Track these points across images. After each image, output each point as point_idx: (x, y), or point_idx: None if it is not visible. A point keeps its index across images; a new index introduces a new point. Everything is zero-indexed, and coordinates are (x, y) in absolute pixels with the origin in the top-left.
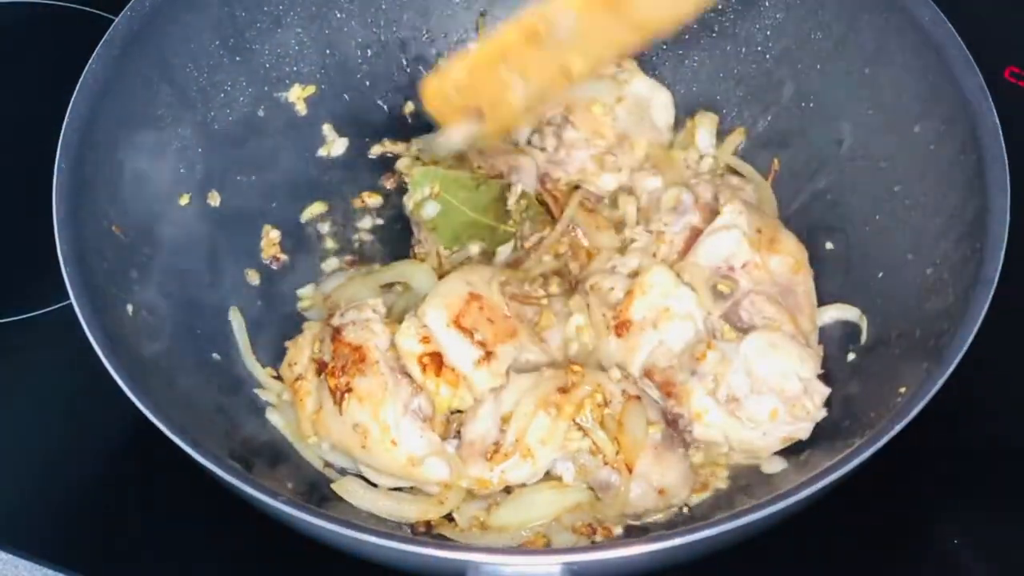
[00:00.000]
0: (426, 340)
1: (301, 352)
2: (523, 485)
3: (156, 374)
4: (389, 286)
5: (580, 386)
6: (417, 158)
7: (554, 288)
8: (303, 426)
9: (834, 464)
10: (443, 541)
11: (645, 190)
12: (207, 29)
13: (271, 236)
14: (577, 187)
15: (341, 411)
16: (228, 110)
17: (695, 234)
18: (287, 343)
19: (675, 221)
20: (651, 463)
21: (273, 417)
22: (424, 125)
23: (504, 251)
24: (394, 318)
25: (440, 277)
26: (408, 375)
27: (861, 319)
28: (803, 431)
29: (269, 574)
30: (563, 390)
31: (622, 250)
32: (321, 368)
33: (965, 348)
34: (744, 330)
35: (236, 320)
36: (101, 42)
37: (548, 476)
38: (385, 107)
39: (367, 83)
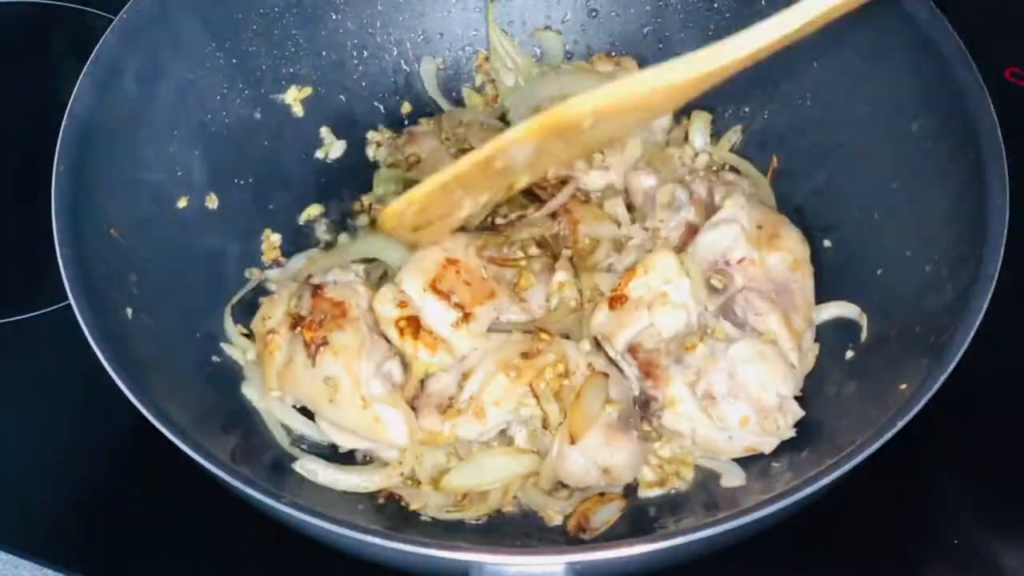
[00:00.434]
0: (403, 305)
1: (276, 307)
2: (472, 442)
3: (155, 375)
4: (365, 261)
5: (544, 354)
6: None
7: (533, 250)
8: (268, 380)
9: (836, 461)
10: (446, 542)
11: (640, 188)
12: (204, 31)
13: (271, 240)
14: (565, 181)
15: (314, 363)
16: (225, 112)
17: (691, 230)
18: (261, 299)
19: (671, 218)
20: (601, 441)
21: (248, 391)
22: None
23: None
24: (372, 286)
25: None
26: (385, 339)
27: (861, 317)
28: (767, 445)
29: (269, 574)
30: (526, 355)
31: (619, 247)
32: (296, 323)
33: (965, 345)
34: (739, 326)
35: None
36: (101, 42)
37: (506, 436)
38: (382, 108)
39: (363, 84)
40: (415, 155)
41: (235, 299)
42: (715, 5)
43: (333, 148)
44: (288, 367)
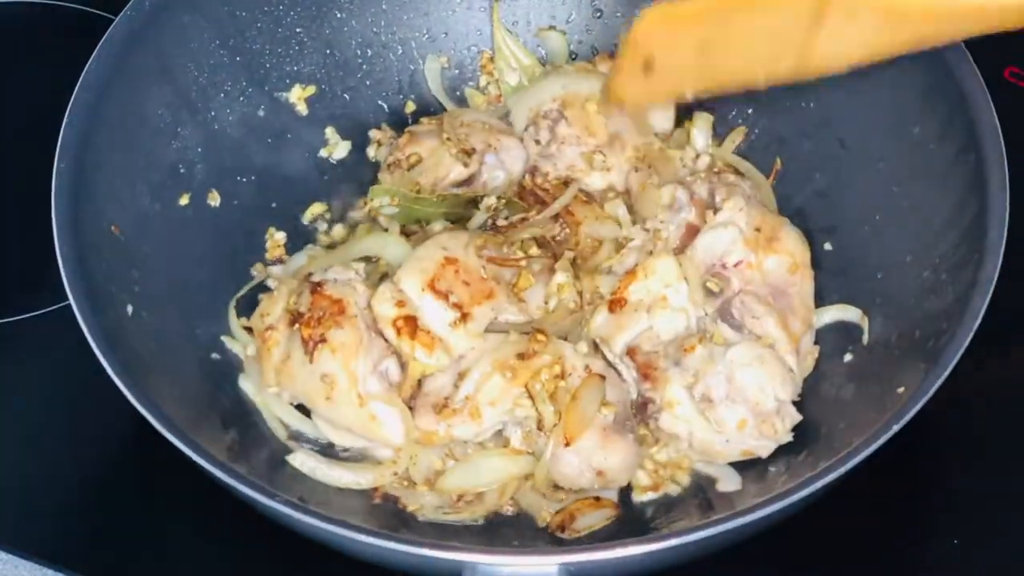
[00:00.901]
0: (401, 304)
1: (275, 303)
2: (467, 443)
3: (155, 374)
4: (365, 260)
5: (540, 355)
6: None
7: (534, 251)
8: (266, 375)
9: (833, 463)
10: (440, 541)
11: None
12: (207, 29)
13: (276, 238)
14: (567, 182)
15: (311, 360)
16: (228, 110)
17: (691, 231)
18: (261, 295)
19: (671, 218)
20: (596, 443)
21: (245, 385)
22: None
23: (479, 218)
24: (371, 285)
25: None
26: (383, 337)
27: (863, 320)
28: (765, 449)
29: (269, 574)
30: (522, 356)
31: (618, 248)
32: (295, 319)
33: (963, 349)
34: (737, 329)
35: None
36: (101, 42)
37: (502, 437)
38: (386, 107)
39: (367, 83)
40: (416, 155)
41: (239, 294)
42: None
43: (338, 149)
44: (286, 363)
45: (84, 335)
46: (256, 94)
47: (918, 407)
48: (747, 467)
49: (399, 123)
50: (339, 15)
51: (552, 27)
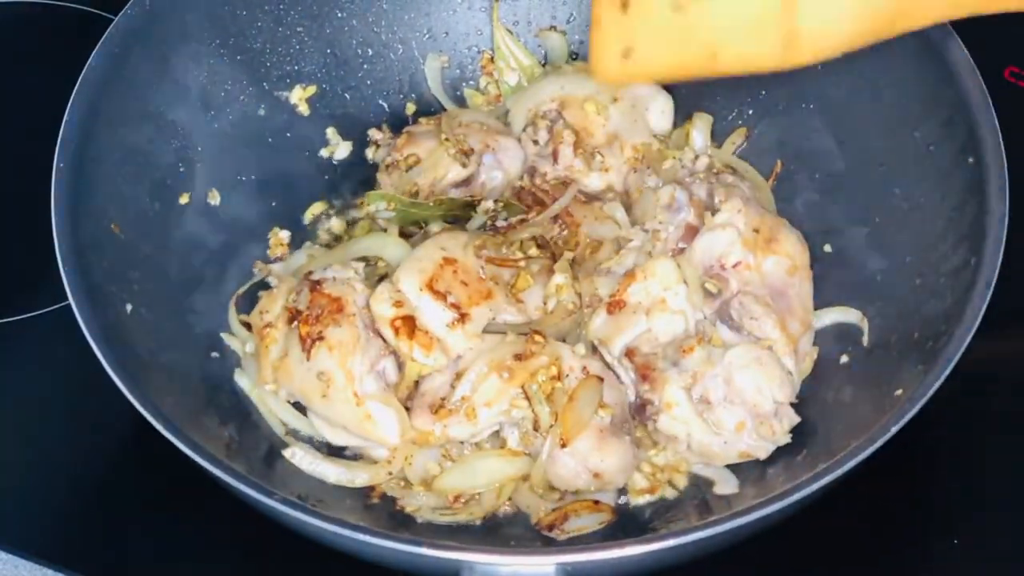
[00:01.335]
0: (399, 304)
1: (274, 301)
2: (464, 444)
3: (155, 374)
4: (364, 260)
5: (537, 356)
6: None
7: (533, 251)
8: (263, 372)
9: (831, 465)
10: (438, 541)
11: (640, 190)
12: (207, 28)
13: (280, 236)
14: (566, 183)
15: (309, 357)
16: (228, 109)
17: (691, 232)
18: (261, 293)
19: (670, 219)
20: (593, 445)
21: (241, 380)
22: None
23: (477, 220)
24: (370, 285)
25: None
26: (381, 337)
27: (862, 322)
28: (763, 450)
29: (269, 574)
30: (519, 357)
31: (617, 249)
32: (293, 317)
33: (961, 351)
34: (736, 330)
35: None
36: (101, 41)
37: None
38: (386, 107)
39: (368, 83)
40: (414, 156)
41: (240, 291)
42: None
43: (339, 149)
44: (283, 361)
45: (84, 335)
46: (257, 93)
47: (916, 409)
48: (745, 468)
49: (400, 123)
50: (340, 14)
51: (552, 27)
